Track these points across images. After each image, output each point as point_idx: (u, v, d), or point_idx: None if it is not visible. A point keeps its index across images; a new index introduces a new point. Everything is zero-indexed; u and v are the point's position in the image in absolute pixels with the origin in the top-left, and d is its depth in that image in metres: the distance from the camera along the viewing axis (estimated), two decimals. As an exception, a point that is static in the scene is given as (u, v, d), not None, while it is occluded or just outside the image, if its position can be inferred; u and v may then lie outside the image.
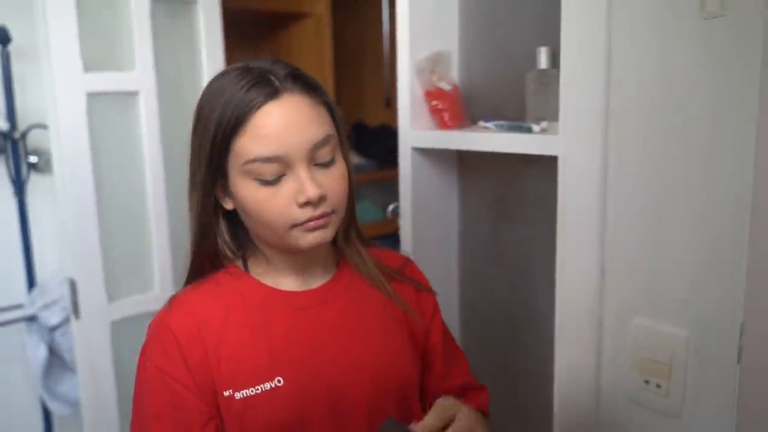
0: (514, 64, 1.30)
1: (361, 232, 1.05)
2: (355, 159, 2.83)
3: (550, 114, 1.13)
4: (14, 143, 2.19)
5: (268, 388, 0.90)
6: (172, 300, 0.96)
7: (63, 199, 1.65)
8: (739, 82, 0.83)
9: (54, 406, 2.23)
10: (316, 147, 0.87)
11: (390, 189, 2.38)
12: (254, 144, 0.85)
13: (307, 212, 0.87)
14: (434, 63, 1.34)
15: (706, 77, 0.86)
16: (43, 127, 2.12)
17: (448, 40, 1.40)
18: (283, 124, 0.85)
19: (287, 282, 0.98)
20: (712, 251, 0.88)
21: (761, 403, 0.83)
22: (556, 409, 1.11)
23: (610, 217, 0.99)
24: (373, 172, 2.85)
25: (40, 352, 2.20)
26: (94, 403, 1.72)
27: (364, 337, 0.97)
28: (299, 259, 0.97)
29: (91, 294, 1.67)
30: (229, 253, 0.98)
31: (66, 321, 2.15)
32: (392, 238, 2.73)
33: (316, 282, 0.99)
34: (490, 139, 1.21)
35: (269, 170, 0.86)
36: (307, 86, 0.89)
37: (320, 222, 0.89)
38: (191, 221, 0.96)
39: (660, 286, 0.95)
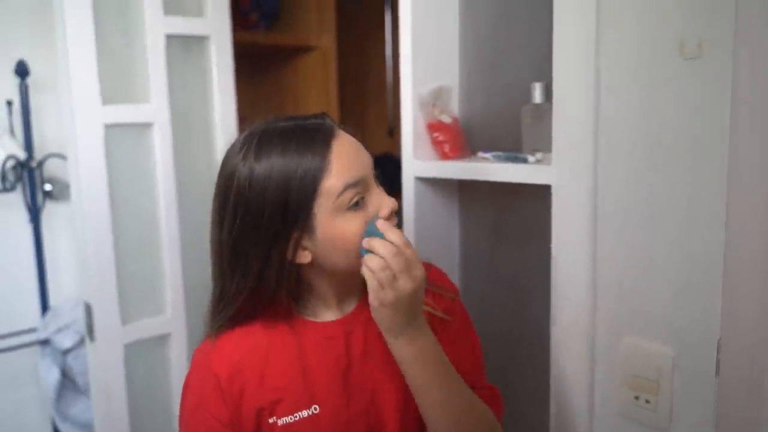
0: (511, 99, 1.36)
1: None
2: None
3: (545, 145, 1.18)
4: (30, 172, 2.26)
5: (306, 415, 0.96)
6: (216, 338, 1.00)
7: (80, 225, 1.70)
8: (714, 116, 0.89)
9: (65, 428, 2.27)
10: (373, 166, 0.97)
11: (395, 217, 2.43)
12: (341, 175, 0.90)
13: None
14: (436, 97, 1.40)
15: (685, 112, 0.92)
16: (59, 156, 2.21)
17: (450, 75, 1.46)
18: (350, 151, 0.93)
19: (326, 312, 1.02)
20: (691, 272, 0.94)
21: (738, 414, 0.89)
22: (551, 424, 1.15)
23: (599, 242, 1.05)
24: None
25: (53, 375, 2.24)
26: (107, 424, 1.76)
27: (390, 362, 0.97)
28: (346, 284, 1.01)
29: (106, 317, 1.71)
30: (292, 303, 0.99)
31: (78, 344, 2.20)
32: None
33: (349, 307, 1.04)
34: (488, 169, 1.26)
35: (357, 193, 0.92)
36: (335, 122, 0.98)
37: None
38: (238, 284, 0.95)
39: (647, 306, 1.00)
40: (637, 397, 1.02)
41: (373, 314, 0.90)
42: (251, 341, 1.00)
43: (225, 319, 0.98)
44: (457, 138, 1.39)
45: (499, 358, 1.47)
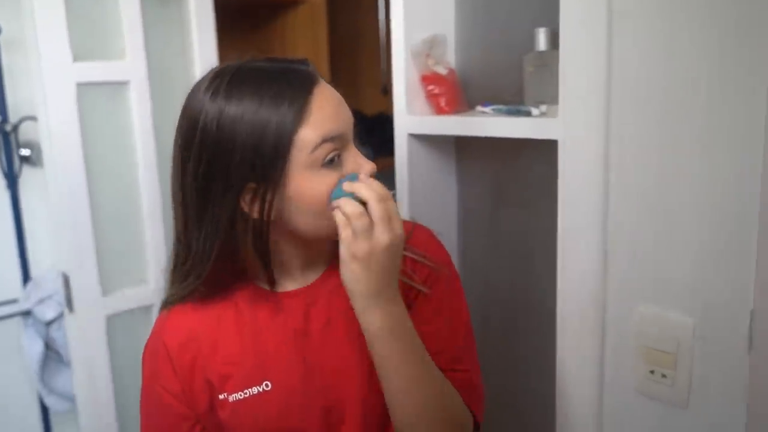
0: (512, 47, 1.27)
1: None
2: (353, 148, 2.80)
3: (550, 97, 1.10)
4: (6, 136, 2.17)
5: (256, 392, 0.91)
6: (170, 310, 0.97)
7: (54, 191, 1.62)
8: (747, 59, 0.80)
9: (51, 402, 2.22)
10: (353, 126, 0.89)
11: (388, 178, 2.35)
12: (319, 127, 0.83)
13: None
14: (430, 47, 1.31)
15: (711, 55, 0.83)
16: (35, 119, 2.09)
17: (444, 23, 1.37)
18: (336, 103, 0.87)
19: (286, 282, 0.95)
20: (718, 235, 0.86)
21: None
22: (557, 400, 1.09)
23: (612, 202, 0.97)
24: (371, 159, 2.81)
25: (36, 347, 2.18)
26: (90, 397, 1.71)
27: (352, 333, 0.91)
28: (312, 252, 0.95)
29: (85, 288, 1.65)
30: (258, 263, 0.91)
31: (61, 316, 2.13)
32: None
33: (312, 277, 0.96)
34: (488, 123, 1.19)
35: (334, 149, 0.84)
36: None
37: None
38: (207, 237, 0.87)
39: (665, 272, 0.92)
40: (652, 371, 0.95)
41: (342, 270, 0.81)
42: (205, 311, 0.95)
43: (192, 286, 0.91)
44: (453, 91, 1.31)
45: (501, 329, 1.41)
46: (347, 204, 0.80)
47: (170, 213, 1.68)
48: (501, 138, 1.17)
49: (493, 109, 1.21)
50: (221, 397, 0.92)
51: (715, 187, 0.85)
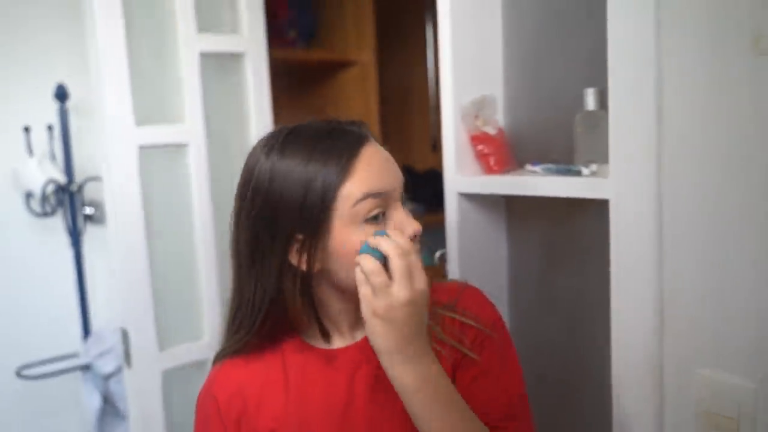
0: (560, 107, 1.28)
1: None
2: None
3: (600, 156, 1.10)
4: (71, 195, 2.26)
5: None
6: (222, 363, 1.00)
7: (116, 249, 1.67)
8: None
9: (107, 455, 2.25)
10: (402, 186, 0.92)
11: (438, 233, 2.35)
12: (362, 183, 0.86)
13: None
14: (479, 107, 1.33)
15: (759, 115, 0.83)
16: (99, 179, 2.18)
17: (493, 83, 1.39)
18: (380, 162, 0.89)
19: (335, 339, 0.97)
20: (778, 298, 0.83)
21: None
22: (615, 466, 1.05)
23: (667, 263, 0.95)
24: (421, 216, 2.83)
25: (95, 400, 2.23)
26: (146, 452, 1.72)
27: (397, 401, 0.88)
28: (358, 308, 0.92)
29: (143, 343, 1.68)
30: (306, 317, 0.94)
31: (119, 369, 2.18)
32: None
33: (360, 335, 0.97)
34: (538, 183, 1.19)
35: (377, 205, 0.87)
36: (374, 137, 0.94)
37: None
38: (257, 288, 0.91)
39: (724, 335, 0.90)
40: (714, 437, 0.91)
41: (366, 329, 0.82)
42: (254, 365, 0.97)
43: (244, 337, 0.95)
44: (502, 150, 1.32)
45: (553, 394, 1.38)
46: (365, 260, 0.82)
47: (225, 271, 1.74)
48: (551, 197, 1.17)
49: (543, 169, 1.21)
50: None
51: (772, 247, 0.83)
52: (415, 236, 0.89)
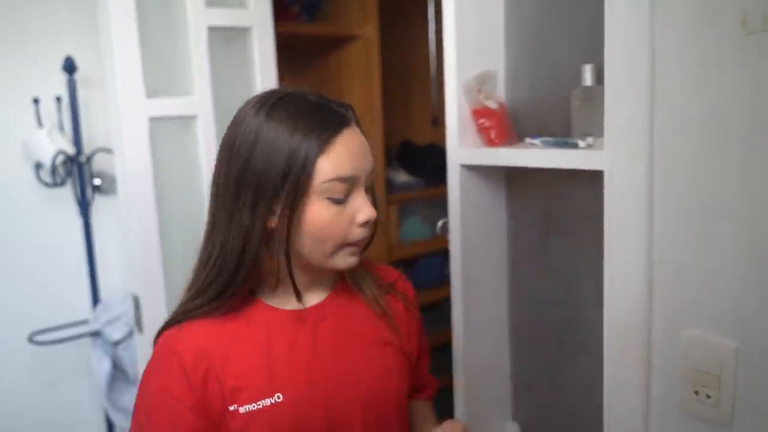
0: (559, 82, 1.32)
1: None
2: (404, 177, 2.86)
3: (596, 130, 1.14)
4: (80, 166, 2.30)
5: (269, 403, 0.96)
6: (181, 326, 0.99)
7: (126, 218, 1.72)
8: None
9: (117, 418, 2.31)
10: (370, 174, 0.98)
11: (438, 206, 2.40)
12: (334, 164, 0.92)
13: (362, 232, 0.97)
14: (481, 82, 1.37)
15: (747, 90, 0.87)
16: (107, 151, 2.23)
17: (495, 59, 1.43)
18: (357, 147, 0.96)
19: (291, 300, 1.02)
20: (759, 260, 0.89)
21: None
22: (605, 421, 1.12)
23: (656, 229, 1.00)
24: (422, 189, 2.87)
25: (104, 366, 2.28)
26: (156, 414, 1.78)
27: (358, 352, 1.04)
28: (314, 276, 1.03)
29: (154, 309, 1.74)
30: (272, 279, 1.00)
31: (128, 336, 2.24)
32: (441, 255, 2.76)
33: (316, 298, 1.05)
34: (536, 155, 1.23)
35: (343, 189, 0.94)
36: (357, 119, 1.00)
37: (362, 245, 0.98)
38: (233, 243, 0.94)
39: (708, 296, 0.95)
40: (697, 392, 0.98)
41: None
42: (217, 326, 0.98)
43: (211, 297, 0.97)
44: (503, 124, 1.36)
45: (550, 352, 1.44)
46: None
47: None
48: (550, 169, 1.22)
49: (542, 141, 1.25)
50: (231, 408, 0.95)
51: (759, 214, 0.88)
52: (367, 222, 0.96)
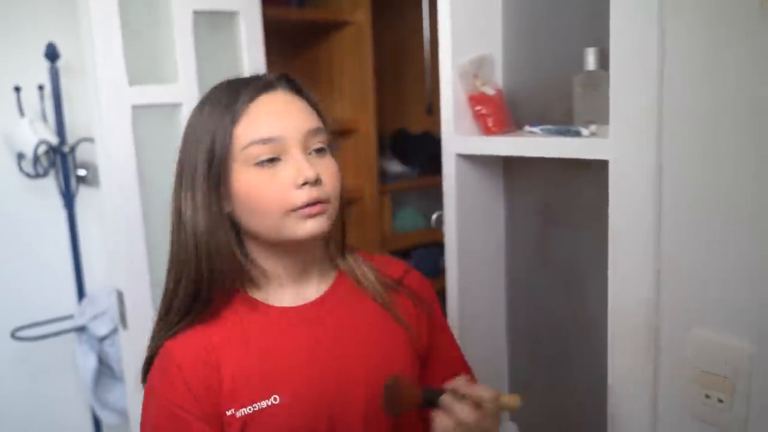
0: (560, 67, 1.27)
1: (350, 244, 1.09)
2: (398, 167, 2.82)
3: (599, 117, 1.09)
4: (63, 157, 2.23)
5: (265, 406, 0.92)
6: (175, 338, 0.96)
7: (110, 210, 1.67)
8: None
9: (103, 415, 2.27)
10: (310, 134, 0.94)
11: (432, 196, 2.35)
12: (251, 127, 0.91)
13: (305, 194, 0.91)
14: (477, 67, 1.31)
15: (762, 74, 0.82)
16: (91, 140, 2.16)
17: (492, 43, 1.37)
18: (278, 110, 0.94)
19: (284, 296, 0.99)
20: (776, 257, 0.84)
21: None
22: (609, 425, 1.07)
23: (665, 223, 0.95)
24: (416, 179, 2.83)
25: (90, 362, 2.24)
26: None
27: (360, 349, 0.99)
28: (295, 263, 0.99)
29: (138, 305, 1.69)
30: (244, 264, 0.97)
31: (114, 331, 2.19)
32: (437, 246, 2.71)
33: (312, 294, 1.01)
34: (537, 144, 1.18)
35: (266, 151, 0.91)
36: (298, 87, 0.98)
37: (315, 209, 0.92)
38: (188, 238, 0.93)
39: (720, 294, 0.90)
40: (708, 396, 0.92)
41: None
42: (209, 330, 0.96)
43: (191, 305, 0.95)
44: (501, 111, 1.31)
45: (550, 351, 1.40)
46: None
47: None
48: (550, 158, 1.17)
49: (542, 130, 1.20)
50: (228, 413, 0.92)
51: (771, 207, 0.83)
52: (305, 182, 0.91)
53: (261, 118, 0.92)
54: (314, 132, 0.94)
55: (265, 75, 0.98)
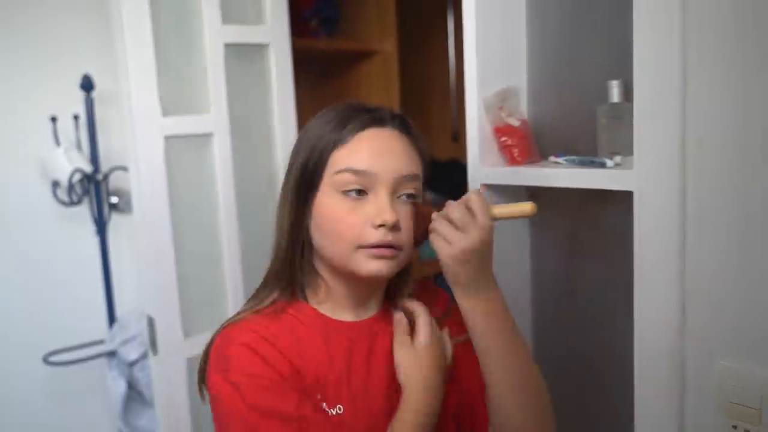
0: (584, 99, 1.27)
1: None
2: (426, 194, 2.82)
3: (624, 148, 1.09)
4: (97, 185, 2.29)
5: (334, 413, 0.93)
6: (236, 323, 0.97)
7: (141, 237, 1.70)
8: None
9: (132, 440, 2.29)
10: (403, 179, 0.95)
11: (459, 223, 2.35)
12: (350, 156, 0.93)
13: (379, 234, 0.91)
14: (502, 99, 1.33)
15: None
16: (124, 169, 2.22)
17: (517, 75, 1.38)
18: (380, 146, 0.95)
19: (343, 313, 1.01)
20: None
21: None
22: (637, 455, 1.06)
23: (690, 254, 0.95)
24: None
25: (120, 387, 2.26)
26: (171, 437, 1.75)
27: (387, 380, 0.99)
28: (358, 291, 1.01)
29: (168, 330, 1.71)
30: (300, 278, 1.00)
31: (144, 356, 2.21)
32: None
33: (367, 314, 1.03)
34: (561, 174, 1.18)
35: (355, 182, 0.92)
36: (410, 129, 1.01)
37: (386, 252, 0.93)
38: (280, 241, 0.99)
39: (747, 325, 0.90)
40: (735, 426, 0.92)
41: (444, 272, 0.93)
42: (275, 326, 0.96)
43: (273, 292, 0.99)
44: (526, 142, 1.31)
45: (576, 383, 1.38)
46: (438, 221, 0.94)
47: (249, 260, 1.76)
48: (575, 189, 1.17)
49: (567, 160, 1.20)
50: (318, 396, 0.93)
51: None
52: (383, 225, 0.91)
53: (362, 150, 0.93)
54: (409, 178, 0.96)
55: (382, 109, 1.00)
